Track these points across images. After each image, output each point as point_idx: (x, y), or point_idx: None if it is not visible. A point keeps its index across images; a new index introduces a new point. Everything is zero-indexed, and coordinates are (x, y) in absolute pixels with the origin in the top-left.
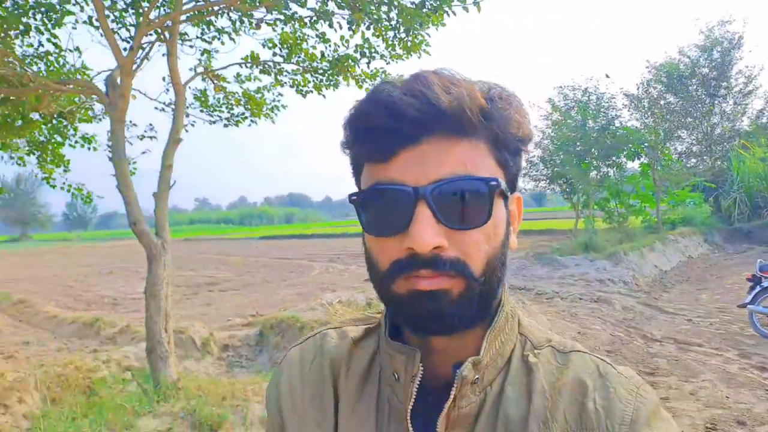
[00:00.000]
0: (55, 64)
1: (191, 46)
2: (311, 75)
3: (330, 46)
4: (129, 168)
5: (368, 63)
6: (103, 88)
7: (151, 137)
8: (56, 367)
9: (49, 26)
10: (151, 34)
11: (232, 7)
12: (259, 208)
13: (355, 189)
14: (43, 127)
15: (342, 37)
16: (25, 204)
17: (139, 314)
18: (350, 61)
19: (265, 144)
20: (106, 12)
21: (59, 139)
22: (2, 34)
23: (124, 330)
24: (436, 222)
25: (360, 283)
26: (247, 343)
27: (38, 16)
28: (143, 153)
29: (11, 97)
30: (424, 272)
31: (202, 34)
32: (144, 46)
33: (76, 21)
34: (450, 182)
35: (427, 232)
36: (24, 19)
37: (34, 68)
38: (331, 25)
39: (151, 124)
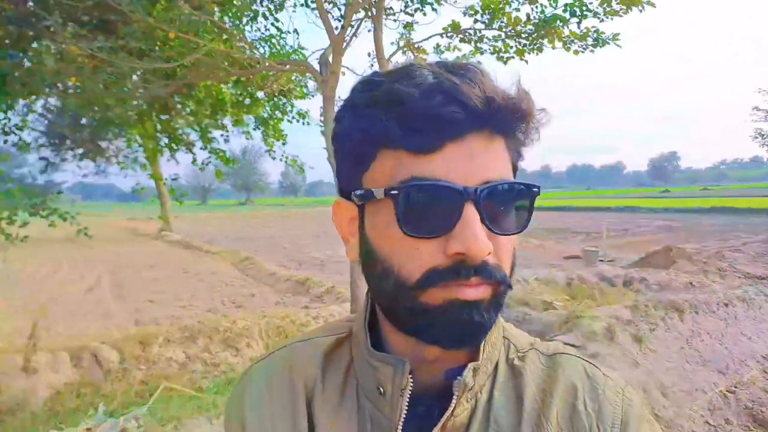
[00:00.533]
0: (277, 46)
1: (394, 20)
2: (513, 40)
3: (537, 7)
4: None
5: (578, 23)
6: (317, 67)
7: None
8: (275, 319)
9: (273, 11)
10: (359, 11)
11: None
12: None
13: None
14: (267, 104)
15: None
16: (248, 172)
17: (342, 276)
18: (558, 22)
19: None
20: None
21: (279, 115)
22: (237, 21)
23: (329, 290)
24: (483, 226)
25: (558, 261)
26: None
27: (264, 3)
28: None
29: (242, 79)
30: (475, 280)
31: (405, 6)
32: (353, 23)
33: (295, 5)
34: (499, 185)
35: (482, 237)
36: (254, 7)
37: (260, 51)
38: None
39: None
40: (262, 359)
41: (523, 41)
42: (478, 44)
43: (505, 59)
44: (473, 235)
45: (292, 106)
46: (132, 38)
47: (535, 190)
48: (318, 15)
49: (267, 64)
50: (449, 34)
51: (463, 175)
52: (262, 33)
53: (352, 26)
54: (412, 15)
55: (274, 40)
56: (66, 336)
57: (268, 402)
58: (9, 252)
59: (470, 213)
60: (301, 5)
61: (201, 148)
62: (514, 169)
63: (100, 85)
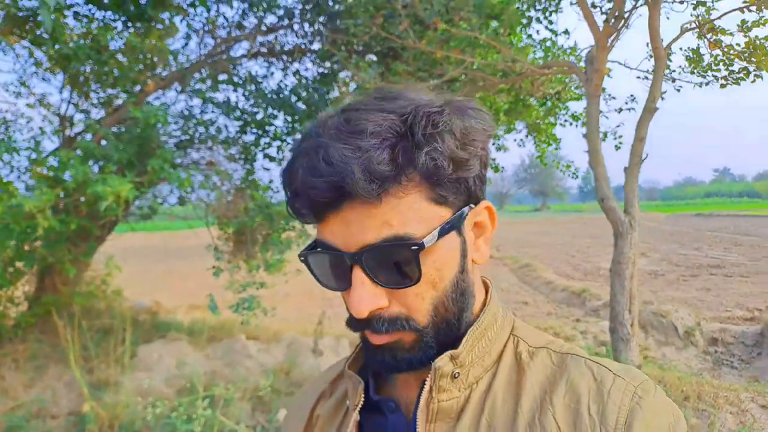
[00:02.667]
0: (552, 50)
1: (681, 2)
2: None
3: None
4: (613, 141)
5: None
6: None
7: (629, 109)
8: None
9: (547, 14)
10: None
11: None
12: None
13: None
14: (540, 109)
15: None
16: (545, 178)
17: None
18: None
19: None
20: None
21: (551, 119)
22: (508, 32)
23: (608, 304)
24: (373, 284)
25: None
26: (742, 341)
27: (537, 8)
28: (618, 126)
29: (510, 86)
30: (367, 332)
31: None
32: (625, 14)
33: (558, 3)
34: (374, 248)
35: (362, 301)
36: (528, 13)
37: (531, 56)
38: None
39: (632, 95)
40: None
41: None
42: None
43: None
44: (353, 297)
45: (566, 108)
46: (409, 62)
47: (415, 248)
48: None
49: (530, 69)
50: (754, 7)
51: (344, 242)
52: (532, 38)
53: (624, 17)
54: None
55: (548, 44)
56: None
57: (292, 407)
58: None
59: (356, 276)
60: (572, 4)
61: None
62: (445, 199)
63: None
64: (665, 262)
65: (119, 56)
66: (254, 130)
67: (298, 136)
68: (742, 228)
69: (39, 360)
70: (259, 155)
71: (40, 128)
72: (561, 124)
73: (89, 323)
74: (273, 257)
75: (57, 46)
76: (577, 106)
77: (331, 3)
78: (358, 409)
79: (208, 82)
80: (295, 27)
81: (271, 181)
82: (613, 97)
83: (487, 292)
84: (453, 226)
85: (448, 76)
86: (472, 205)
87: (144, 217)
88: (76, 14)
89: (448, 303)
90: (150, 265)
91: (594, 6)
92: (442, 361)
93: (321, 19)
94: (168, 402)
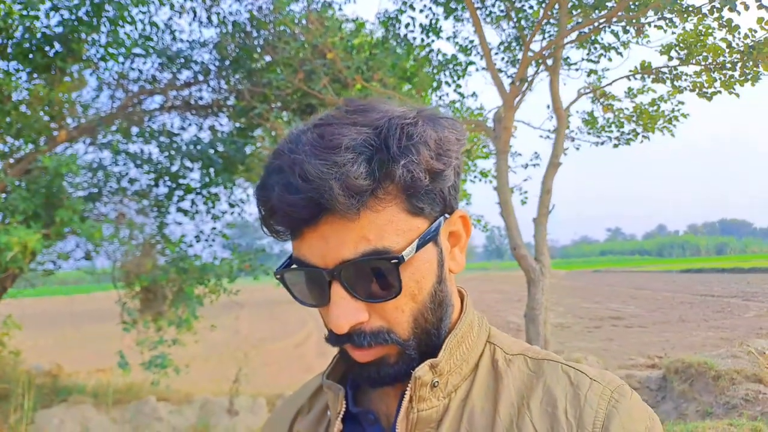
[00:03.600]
0: (460, 110)
1: (577, 69)
2: (718, 73)
3: (737, 34)
4: (519, 197)
5: None
6: (492, 125)
7: (534, 165)
8: None
9: (455, 78)
10: (533, 65)
11: (613, 20)
12: (682, 237)
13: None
14: None
15: (760, 20)
16: None
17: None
18: None
19: (682, 161)
20: (496, 50)
21: (462, 176)
22: (420, 95)
23: None
24: (353, 298)
25: None
26: (647, 386)
27: (446, 72)
28: (525, 180)
29: None
30: (349, 347)
31: (588, 54)
32: (528, 78)
33: (466, 67)
34: (353, 263)
35: (341, 315)
36: (437, 77)
37: None
38: (732, 9)
39: (536, 152)
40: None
41: (729, 72)
42: (675, 82)
43: (709, 95)
44: (332, 312)
45: (475, 166)
46: None
47: (395, 261)
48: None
49: None
50: (638, 76)
51: (322, 258)
52: (441, 99)
53: (527, 80)
54: (596, 62)
55: (457, 105)
56: (266, 384)
57: (272, 425)
58: (234, 310)
59: (335, 291)
60: (479, 69)
61: None
62: (421, 210)
63: None
64: (570, 315)
65: (23, 107)
66: (168, 183)
67: (214, 188)
68: (636, 282)
69: None
70: (172, 208)
71: None
72: (471, 181)
73: None
74: (185, 314)
75: None
76: (485, 164)
77: (248, 61)
78: (340, 417)
79: (120, 135)
80: (211, 83)
81: (183, 236)
82: (519, 154)
83: (462, 300)
84: (430, 237)
85: None
86: (447, 215)
87: (47, 274)
88: None
89: (427, 314)
90: (49, 328)
91: (500, 71)
92: (422, 371)
93: (237, 75)
94: None
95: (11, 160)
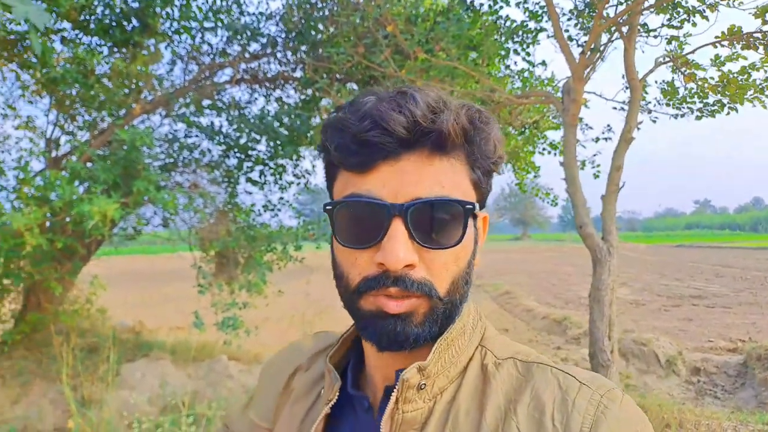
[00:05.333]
0: (530, 80)
1: (655, 36)
2: None
3: None
4: (591, 170)
5: None
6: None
7: (606, 138)
8: None
9: (524, 47)
10: (606, 33)
11: None
12: None
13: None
14: (518, 138)
15: None
16: (526, 207)
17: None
18: None
19: None
20: (568, 16)
21: (530, 148)
22: (487, 62)
23: (588, 332)
24: (410, 239)
25: None
26: (725, 372)
27: (515, 40)
28: (595, 155)
29: None
30: (393, 290)
31: (669, 19)
32: (600, 47)
33: (535, 35)
34: (427, 202)
35: (400, 249)
36: (506, 45)
37: (509, 86)
38: None
39: (608, 125)
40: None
41: None
42: None
43: None
44: (392, 247)
45: (544, 137)
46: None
47: (470, 207)
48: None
49: (507, 98)
50: (726, 43)
51: (393, 192)
52: (512, 69)
53: (599, 50)
54: (678, 28)
55: (526, 74)
56: None
57: (267, 373)
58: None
59: (396, 227)
60: (550, 37)
61: None
62: (479, 184)
63: None
64: (646, 292)
65: (105, 81)
66: (237, 154)
67: (280, 160)
68: (724, 259)
69: (25, 376)
70: (242, 179)
71: (30, 150)
72: (540, 152)
73: (73, 341)
74: (255, 279)
75: (45, 70)
76: (555, 135)
77: (313, 33)
78: (330, 404)
79: (192, 107)
80: (278, 55)
81: (253, 205)
82: (590, 127)
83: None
84: (481, 207)
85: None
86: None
87: (128, 238)
88: (63, 39)
89: (460, 283)
90: (133, 287)
91: (570, 39)
92: (410, 373)
93: (303, 48)
94: (152, 419)
95: (95, 133)
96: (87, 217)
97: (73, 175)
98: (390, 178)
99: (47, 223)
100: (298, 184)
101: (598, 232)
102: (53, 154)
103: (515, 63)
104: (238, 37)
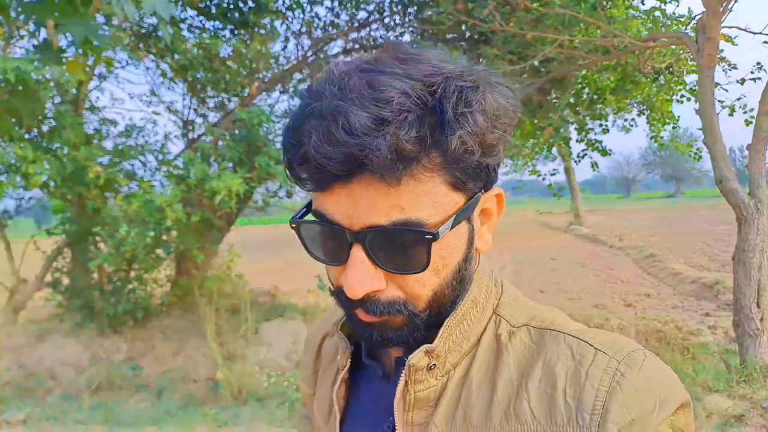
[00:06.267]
0: (661, 19)
1: None
2: None
3: None
4: (744, 116)
5: None
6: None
7: (754, 79)
8: (657, 323)
9: None
10: None
11: None
12: None
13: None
14: (652, 86)
15: None
16: (678, 161)
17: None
18: None
19: None
20: None
21: (666, 96)
22: (609, 5)
23: None
24: (373, 265)
25: None
26: None
27: None
28: (738, 99)
29: (614, 63)
30: (359, 311)
31: None
32: None
33: None
34: (382, 230)
35: (358, 281)
36: None
37: (635, 29)
38: None
39: (758, 63)
40: None
41: None
42: None
43: None
44: (349, 277)
45: (683, 84)
46: (499, 46)
47: (429, 237)
48: None
49: (628, 42)
50: None
51: (348, 218)
52: (639, 9)
53: None
54: None
55: (656, 13)
56: None
57: (309, 340)
58: None
59: (355, 254)
60: None
61: (577, 141)
62: (464, 184)
63: None
64: None
65: (229, 63)
66: None
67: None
68: None
69: (181, 333)
70: None
71: (166, 134)
72: (677, 101)
73: (218, 303)
74: None
75: (176, 57)
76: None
77: None
78: (345, 370)
79: (308, 82)
80: (386, 20)
81: None
82: (734, 67)
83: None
84: (466, 214)
85: (542, 56)
86: (483, 191)
87: (258, 210)
88: (189, 26)
89: (447, 290)
90: (267, 254)
91: None
92: (417, 358)
93: (410, 10)
94: (282, 373)
95: (223, 114)
96: (216, 192)
97: (204, 154)
98: (344, 202)
99: (186, 199)
100: None
101: (744, 187)
102: (190, 135)
103: (642, 2)
104: (346, 6)
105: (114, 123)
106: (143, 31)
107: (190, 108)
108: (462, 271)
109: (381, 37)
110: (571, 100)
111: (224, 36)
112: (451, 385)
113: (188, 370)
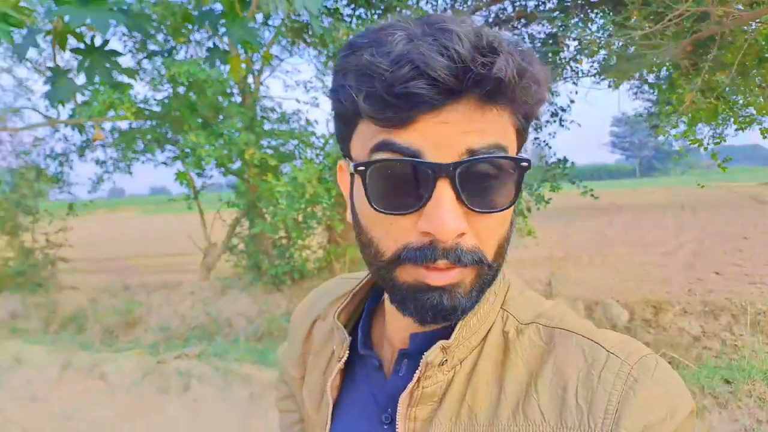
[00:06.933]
0: None
1: None
2: None
3: None
4: None
5: None
6: None
7: None
8: None
9: None
10: None
11: None
12: None
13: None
14: None
15: None
16: None
17: None
18: None
19: None
20: None
21: None
22: None
23: None
24: (458, 203)
25: None
26: None
27: None
28: None
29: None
30: (442, 263)
31: None
32: None
33: None
34: (477, 160)
35: (449, 217)
36: None
37: None
38: None
39: None
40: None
41: None
42: None
43: None
44: (440, 216)
45: None
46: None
47: (524, 164)
48: None
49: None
50: None
51: (438, 149)
52: None
53: None
54: None
55: None
56: (587, 288)
57: (296, 321)
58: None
59: (442, 191)
60: None
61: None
62: (522, 133)
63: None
64: None
65: None
66: None
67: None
68: None
69: None
70: None
71: (307, 120)
72: None
73: (354, 268)
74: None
75: (330, 48)
76: None
77: None
78: (342, 360)
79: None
80: None
81: None
82: None
83: None
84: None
85: (693, 9)
86: None
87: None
88: (338, 15)
89: (505, 246)
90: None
91: None
92: (433, 354)
93: None
94: None
95: None
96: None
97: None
98: (433, 132)
99: (326, 175)
100: (554, 122)
101: None
102: None
103: None
104: None
105: (272, 110)
106: (299, 23)
107: None
108: (512, 229)
109: (530, 6)
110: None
111: (372, 19)
112: (458, 380)
113: None
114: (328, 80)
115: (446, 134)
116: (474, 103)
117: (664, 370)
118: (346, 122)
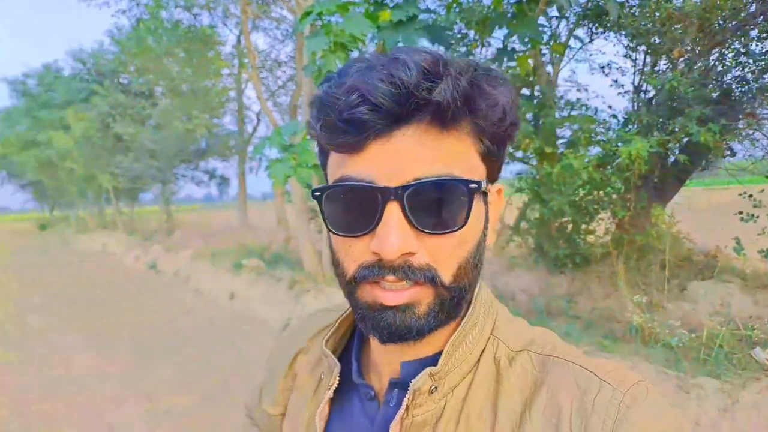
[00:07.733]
0: None
1: None
2: None
3: None
4: None
5: None
6: None
7: None
8: None
9: None
10: None
11: None
12: None
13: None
14: None
15: None
16: None
17: None
18: None
19: None
20: None
21: None
22: None
23: None
24: (408, 225)
25: None
26: None
27: None
28: None
29: None
30: (390, 278)
31: None
32: None
33: None
34: (424, 183)
35: (395, 236)
36: None
37: None
38: None
39: None
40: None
41: None
42: None
43: None
44: (386, 234)
45: None
46: None
47: (474, 186)
48: None
49: None
50: None
51: (387, 174)
52: None
53: None
54: None
55: None
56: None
57: (278, 348)
58: None
59: (390, 212)
60: None
61: None
62: (489, 156)
63: None
64: None
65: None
66: None
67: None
68: None
69: (613, 279)
70: None
71: (585, 106)
72: None
73: (653, 257)
74: None
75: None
76: None
77: None
78: (332, 389)
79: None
80: None
81: None
82: None
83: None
84: (493, 180)
85: None
86: (490, 183)
87: (701, 170)
88: None
89: (468, 268)
90: (717, 217)
91: None
92: (421, 381)
93: None
94: (698, 332)
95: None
96: (622, 156)
97: (627, 119)
98: (383, 157)
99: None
100: None
101: None
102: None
103: None
104: None
105: (561, 98)
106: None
107: (635, 73)
108: (479, 251)
109: None
110: None
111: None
112: (450, 409)
113: (614, 312)
114: (627, 62)
115: (395, 161)
116: (425, 128)
117: (656, 398)
118: (321, 152)
